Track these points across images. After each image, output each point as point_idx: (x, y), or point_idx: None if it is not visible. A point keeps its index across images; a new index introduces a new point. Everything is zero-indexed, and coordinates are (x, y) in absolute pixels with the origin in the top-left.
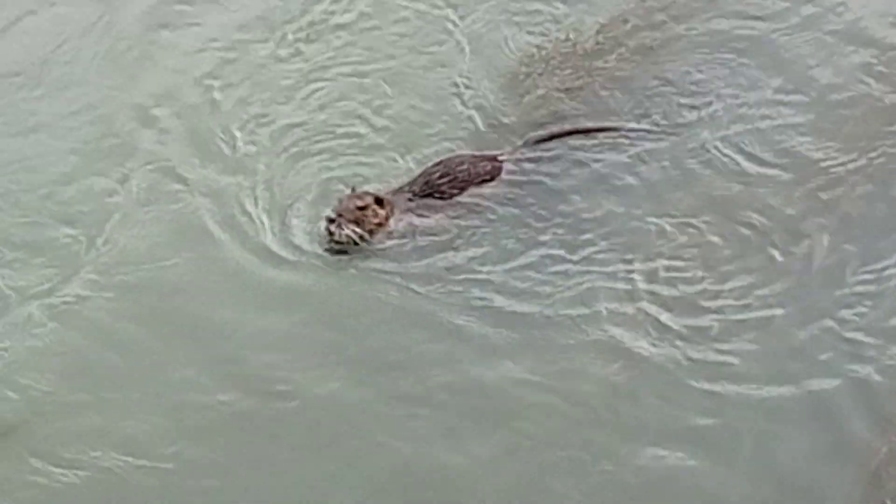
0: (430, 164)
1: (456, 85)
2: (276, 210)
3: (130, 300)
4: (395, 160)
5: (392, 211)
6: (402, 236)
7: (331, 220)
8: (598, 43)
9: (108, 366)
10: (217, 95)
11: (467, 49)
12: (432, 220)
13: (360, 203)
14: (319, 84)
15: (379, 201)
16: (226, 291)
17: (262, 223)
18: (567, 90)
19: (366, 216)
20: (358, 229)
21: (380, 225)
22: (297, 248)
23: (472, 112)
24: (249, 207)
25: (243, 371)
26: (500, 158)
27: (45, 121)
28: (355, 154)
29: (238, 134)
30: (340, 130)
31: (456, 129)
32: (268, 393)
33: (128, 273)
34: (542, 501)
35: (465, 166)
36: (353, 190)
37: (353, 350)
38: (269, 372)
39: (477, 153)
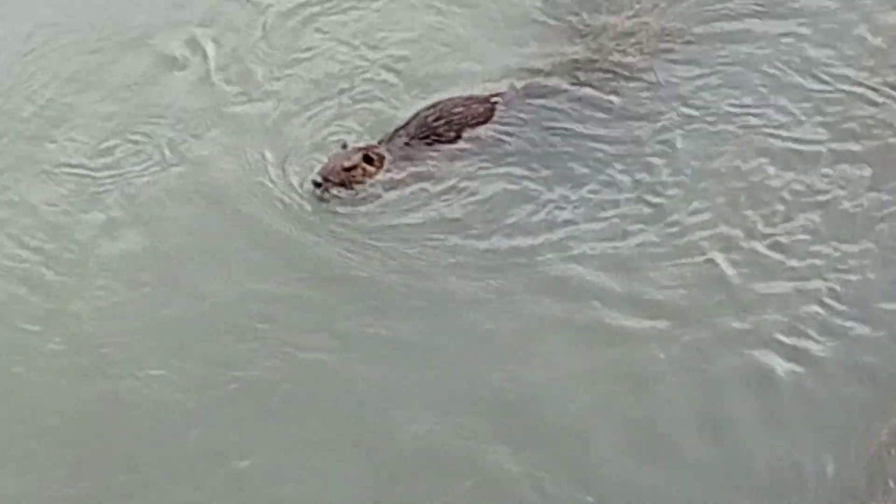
0: (422, 106)
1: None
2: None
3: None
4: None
5: (383, 165)
6: (399, 185)
7: (317, 185)
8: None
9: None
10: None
11: None
12: (429, 166)
13: (346, 164)
14: None
15: (368, 159)
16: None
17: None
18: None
19: (353, 177)
20: (344, 191)
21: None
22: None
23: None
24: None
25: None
26: (492, 100)
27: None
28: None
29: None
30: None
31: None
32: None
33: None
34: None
35: (459, 108)
36: (344, 146)
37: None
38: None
39: (471, 95)
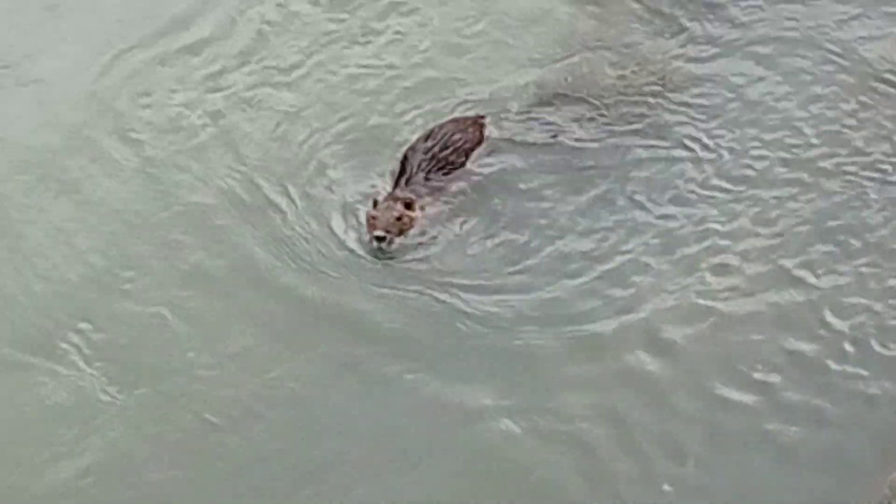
0: (414, 141)
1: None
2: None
3: None
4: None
5: (420, 207)
6: (444, 218)
7: (380, 238)
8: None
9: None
10: None
11: None
12: (458, 193)
13: (396, 214)
14: None
15: (407, 205)
16: None
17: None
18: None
19: (405, 225)
20: (404, 239)
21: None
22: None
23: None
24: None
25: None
26: (480, 121)
27: None
28: None
29: None
30: None
31: None
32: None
33: None
34: None
35: (458, 134)
36: (375, 203)
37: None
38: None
39: (456, 119)
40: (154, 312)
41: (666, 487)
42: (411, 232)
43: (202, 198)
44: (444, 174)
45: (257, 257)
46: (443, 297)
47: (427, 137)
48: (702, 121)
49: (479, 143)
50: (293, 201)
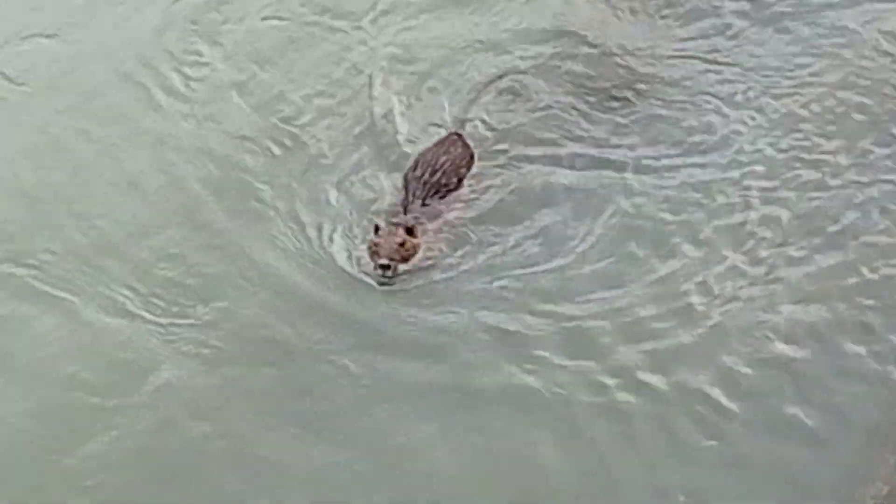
0: (407, 171)
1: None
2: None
3: None
4: None
5: (422, 233)
6: (442, 249)
7: (385, 267)
8: None
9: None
10: None
11: None
12: (456, 216)
13: (399, 240)
14: None
15: (409, 231)
16: None
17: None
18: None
19: (408, 251)
20: (407, 265)
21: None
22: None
23: None
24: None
25: None
26: (464, 140)
27: None
28: None
29: None
30: None
31: None
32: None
33: None
34: None
35: (444, 157)
36: (377, 229)
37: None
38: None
39: (438, 141)
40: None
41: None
42: (417, 257)
43: None
44: (441, 198)
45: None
46: (446, 318)
47: (415, 167)
48: (690, 125)
49: (470, 158)
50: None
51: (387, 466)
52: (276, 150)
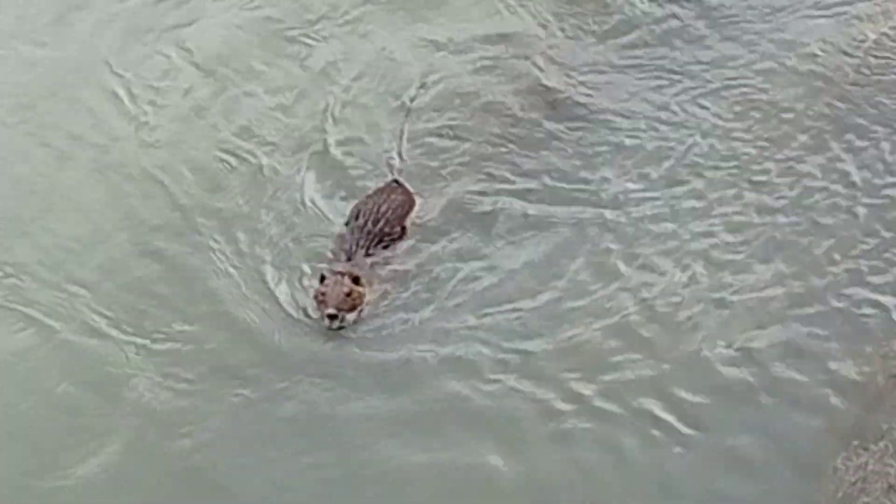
0: (349, 218)
1: None
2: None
3: None
4: None
5: (367, 281)
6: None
7: (332, 317)
8: None
9: None
10: None
11: None
12: (400, 263)
13: (345, 289)
14: None
15: (355, 280)
16: None
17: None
18: None
19: (355, 300)
20: (354, 314)
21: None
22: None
23: None
24: None
25: None
26: (403, 185)
27: None
28: None
29: None
30: None
31: None
32: None
33: None
34: None
35: (384, 206)
36: (323, 279)
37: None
38: None
39: (375, 191)
40: None
41: None
42: (363, 306)
43: None
44: (385, 247)
45: None
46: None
47: (357, 216)
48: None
49: (410, 205)
50: None
51: (355, 482)
52: (225, 172)
